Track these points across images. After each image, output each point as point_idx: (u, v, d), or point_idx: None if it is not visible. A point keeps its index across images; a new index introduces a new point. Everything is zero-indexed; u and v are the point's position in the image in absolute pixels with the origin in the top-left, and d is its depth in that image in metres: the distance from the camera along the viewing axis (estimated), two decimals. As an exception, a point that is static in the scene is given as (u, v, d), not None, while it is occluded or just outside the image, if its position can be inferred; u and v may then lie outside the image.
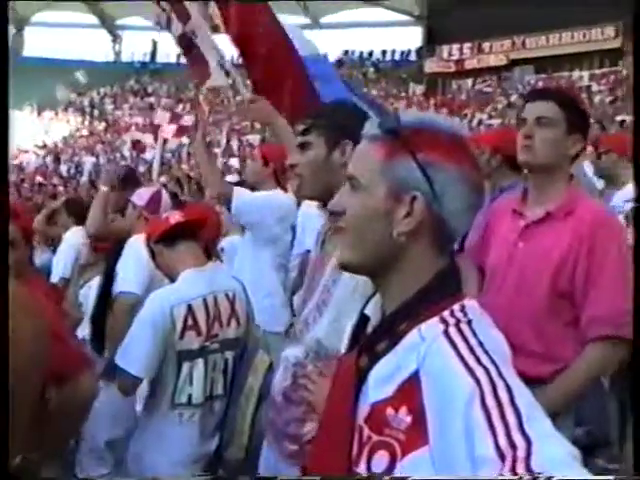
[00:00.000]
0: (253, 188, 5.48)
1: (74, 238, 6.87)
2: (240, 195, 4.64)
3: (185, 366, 3.32)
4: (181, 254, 3.44)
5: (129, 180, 5.59)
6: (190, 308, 3.32)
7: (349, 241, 1.52)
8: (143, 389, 3.46)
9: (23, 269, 3.16)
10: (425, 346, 1.37)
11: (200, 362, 3.35)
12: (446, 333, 1.37)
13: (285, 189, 5.05)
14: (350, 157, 2.56)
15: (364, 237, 1.49)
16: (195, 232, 3.52)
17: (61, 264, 6.53)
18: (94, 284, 5.50)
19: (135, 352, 3.28)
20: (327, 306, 2.55)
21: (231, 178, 8.32)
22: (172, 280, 3.51)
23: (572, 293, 2.92)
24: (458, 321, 1.39)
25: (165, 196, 4.79)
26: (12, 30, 57.69)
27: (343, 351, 2.40)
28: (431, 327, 1.39)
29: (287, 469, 2.60)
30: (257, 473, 2.88)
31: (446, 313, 1.41)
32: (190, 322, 3.32)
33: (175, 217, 3.47)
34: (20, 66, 53.88)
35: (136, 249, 4.37)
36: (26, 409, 2.50)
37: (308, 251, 4.58)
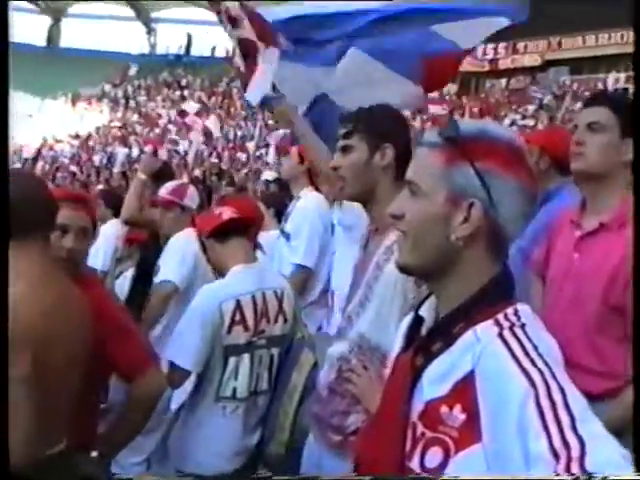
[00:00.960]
0: (286, 184, 5.51)
1: (112, 230, 6.94)
2: None
3: (231, 360, 3.36)
4: (232, 250, 3.48)
5: (164, 173, 5.64)
6: (238, 303, 3.36)
7: (409, 244, 1.58)
8: (186, 383, 3.49)
9: (83, 264, 3.18)
10: (480, 347, 1.42)
11: (246, 357, 3.39)
12: (501, 335, 1.42)
13: (317, 188, 5.07)
14: (390, 160, 2.67)
15: (423, 241, 1.55)
16: (246, 228, 3.56)
17: (100, 256, 6.60)
18: (128, 275, 5.60)
19: (184, 345, 3.32)
20: (369, 302, 2.62)
21: (269, 175, 8.33)
22: (221, 275, 3.56)
23: (624, 308, 2.81)
24: (512, 324, 1.44)
25: (191, 190, 4.84)
26: (49, 21, 58.29)
27: (388, 346, 2.46)
28: (486, 329, 1.44)
29: (331, 460, 2.67)
30: (299, 469, 2.93)
31: (500, 316, 1.46)
32: (238, 317, 3.36)
33: (227, 213, 3.49)
34: (56, 57, 54.53)
35: (181, 243, 4.45)
36: (74, 405, 2.56)
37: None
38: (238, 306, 3.36)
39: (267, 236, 4.62)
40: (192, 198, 4.75)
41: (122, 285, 5.56)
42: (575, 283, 2.99)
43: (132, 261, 6.24)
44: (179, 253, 4.45)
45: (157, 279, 4.42)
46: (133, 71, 51.33)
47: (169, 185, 4.85)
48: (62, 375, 2.42)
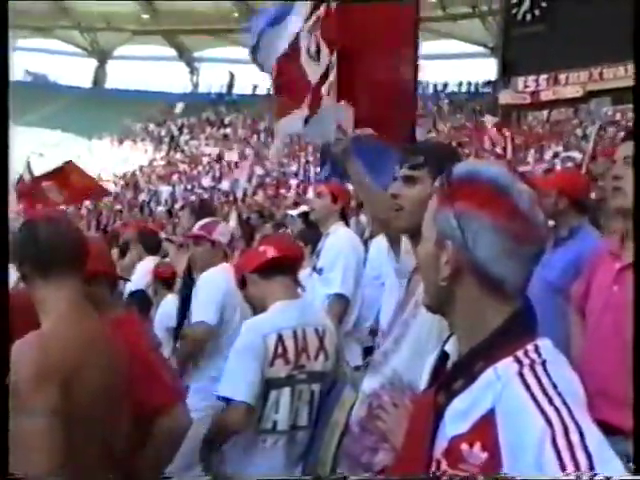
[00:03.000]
0: (315, 223, 5.57)
1: (147, 267, 7.14)
2: None
3: (272, 394, 3.40)
4: (275, 286, 3.55)
5: (205, 211, 5.82)
6: (280, 337, 3.41)
7: (423, 284, 1.68)
8: None
9: (116, 302, 3.28)
10: (501, 385, 1.43)
11: (287, 390, 3.43)
12: (521, 374, 1.43)
13: (347, 224, 5.14)
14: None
15: (427, 281, 1.65)
16: (289, 266, 3.64)
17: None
18: (169, 302, 5.71)
19: (239, 380, 3.35)
20: (405, 339, 2.65)
21: (293, 211, 8.43)
22: (257, 310, 3.62)
23: None
24: (533, 362, 1.45)
25: (221, 226, 5.02)
26: (95, 63, 59.36)
27: (420, 384, 2.50)
28: (506, 367, 1.46)
29: None
30: None
31: (520, 353, 1.47)
32: (280, 350, 3.40)
33: (271, 251, 3.57)
34: (102, 98, 55.46)
35: (211, 281, 4.56)
36: (105, 441, 2.61)
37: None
38: (280, 339, 3.40)
39: (302, 273, 4.68)
40: (222, 233, 4.89)
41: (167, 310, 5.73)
42: (614, 314, 2.98)
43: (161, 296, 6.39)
44: (210, 292, 4.55)
45: (192, 319, 4.52)
46: (179, 109, 52.00)
47: (200, 222, 5.04)
48: (96, 408, 2.47)
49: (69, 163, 12.05)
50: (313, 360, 3.52)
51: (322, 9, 3.91)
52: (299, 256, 3.86)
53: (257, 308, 3.74)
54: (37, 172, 15.94)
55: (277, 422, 3.42)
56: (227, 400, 3.39)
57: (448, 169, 1.61)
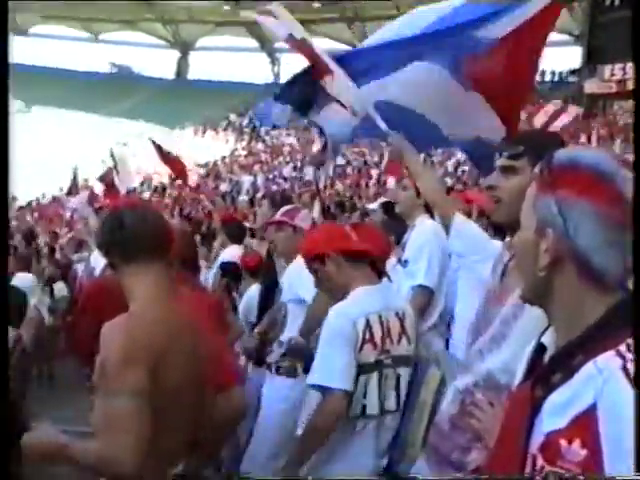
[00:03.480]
0: (398, 216, 5.52)
1: (230, 255, 7.32)
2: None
3: (361, 379, 3.38)
4: (360, 272, 3.53)
5: (284, 200, 5.91)
6: (368, 322, 3.40)
7: (519, 275, 1.63)
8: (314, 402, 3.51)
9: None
10: (602, 380, 1.38)
11: (375, 375, 3.41)
12: (624, 368, 1.37)
13: (432, 216, 5.09)
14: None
15: (523, 270, 1.61)
16: (379, 256, 3.63)
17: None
18: (252, 295, 5.77)
19: (335, 367, 3.33)
20: (505, 340, 2.54)
21: (374, 204, 8.38)
22: (336, 296, 3.58)
23: None
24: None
25: (303, 212, 5.09)
26: (177, 54, 60.20)
27: (516, 383, 2.44)
28: (608, 361, 1.40)
29: None
30: None
31: (623, 347, 1.41)
32: (368, 335, 3.39)
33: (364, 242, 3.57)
34: (184, 88, 56.26)
35: None
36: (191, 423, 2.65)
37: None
38: (368, 324, 3.39)
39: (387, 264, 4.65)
40: (304, 219, 4.94)
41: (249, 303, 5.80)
42: None
43: (247, 282, 6.47)
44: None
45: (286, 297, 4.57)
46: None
47: (283, 209, 5.12)
48: (180, 393, 2.52)
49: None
50: (396, 344, 3.49)
51: None
52: (388, 251, 3.85)
53: (331, 291, 3.66)
54: (121, 162, 16.33)
55: (366, 406, 3.40)
56: (322, 388, 3.36)
57: (549, 155, 1.57)
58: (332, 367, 3.34)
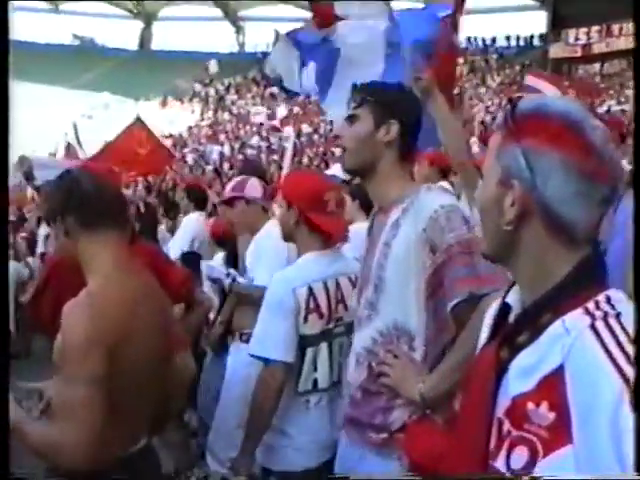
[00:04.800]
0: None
1: (192, 222, 7.31)
2: None
3: (309, 351, 3.26)
4: (311, 238, 3.38)
5: (256, 172, 5.73)
6: (311, 290, 3.26)
7: (482, 231, 1.57)
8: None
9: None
10: (571, 340, 1.33)
11: (324, 346, 3.30)
12: (593, 327, 1.32)
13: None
14: (394, 136, 2.65)
15: (487, 226, 1.53)
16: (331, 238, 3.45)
17: (177, 248, 6.84)
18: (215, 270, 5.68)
19: (273, 337, 3.21)
20: (385, 283, 2.59)
21: (330, 170, 8.34)
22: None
23: None
24: (606, 314, 1.34)
25: (251, 181, 4.82)
26: (141, 25, 59.52)
27: (412, 325, 2.54)
28: (576, 319, 1.35)
29: (375, 460, 2.60)
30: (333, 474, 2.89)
31: (591, 305, 1.36)
32: (312, 305, 3.26)
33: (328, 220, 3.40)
34: (148, 59, 55.67)
35: (269, 243, 4.36)
36: (154, 398, 2.59)
37: None
38: (311, 293, 3.25)
39: (354, 228, 4.55)
40: (253, 188, 4.73)
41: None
42: None
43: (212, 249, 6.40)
44: (273, 256, 4.31)
45: (255, 282, 4.36)
46: (213, 68, 51.98)
47: (230, 183, 5.00)
48: (143, 370, 2.43)
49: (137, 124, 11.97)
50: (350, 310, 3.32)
51: None
52: (345, 239, 3.65)
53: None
54: (85, 133, 16.07)
55: (317, 380, 3.30)
56: (262, 359, 3.25)
57: (512, 103, 1.48)
58: (271, 337, 3.21)
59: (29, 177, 12.33)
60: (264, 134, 33.21)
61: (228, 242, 5.67)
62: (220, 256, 5.60)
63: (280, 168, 15.46)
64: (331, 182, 3.67)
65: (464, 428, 1.56)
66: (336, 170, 5.46)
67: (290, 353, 3.20)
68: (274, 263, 4.15)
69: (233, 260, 5.00)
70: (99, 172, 2.74)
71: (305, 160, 24.86)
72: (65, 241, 2.51)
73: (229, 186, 4.94)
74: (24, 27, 59.73)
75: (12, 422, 2.29)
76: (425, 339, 2.56)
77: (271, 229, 4.36)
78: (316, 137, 30.44)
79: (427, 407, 2.47)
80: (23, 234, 13.47)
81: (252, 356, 3.29)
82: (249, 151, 29.99)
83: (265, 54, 53.41)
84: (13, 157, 32.30)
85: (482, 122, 27.31)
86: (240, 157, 27.58)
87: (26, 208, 16.40)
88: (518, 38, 45.58)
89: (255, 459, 3.24)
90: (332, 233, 3.36)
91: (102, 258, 2.45)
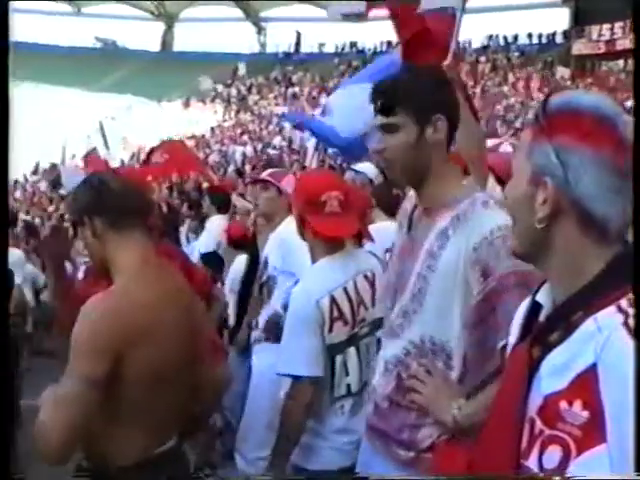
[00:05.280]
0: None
1: (215, 225, 7.33)
2: None
3: (338, 358, 3.23)
4: (313, 243, 3.35)
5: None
6: (333, 299, 3.21)
7: (513, 229, 1.54)
8: None
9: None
10: (603, 338, 1.31)
11: (352, 351, 3.26)
12: (626, 324, 1.30)
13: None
14: (445, 132, 2.42)
15: (517, 225, 1.51)
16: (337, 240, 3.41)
17: (202, 249, 6.87)
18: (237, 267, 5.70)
19: (299, 353, 3.17)
20: (425, 296, 2.39)
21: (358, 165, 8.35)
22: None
23: None
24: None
25: (289, 177, 4.94)
26: (162, 26, 59.78)
27: (451, 344, 2.36)
28: (609, 317, 1.33)
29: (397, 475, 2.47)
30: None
31: (624, 302, 1.34)
32: (336, 314, 3.21)
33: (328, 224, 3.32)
34: (170, 61, 55.92)
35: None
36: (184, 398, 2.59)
37: None
38: (333, 301, 3.21)
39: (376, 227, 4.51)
40: (289, 183, 4.71)
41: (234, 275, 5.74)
42: None
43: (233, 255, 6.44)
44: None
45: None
46: (242, 70, 52.17)
47: (270, 170, 5.16)
48: (168, 371, 2.43)
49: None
50: (371, 308, 3.30)
51: None
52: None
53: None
54: (110, 136, 16.14)
55: (350, 385, 3.26)
56: (291, 376, 3.22)
57: (544, 100, 1.47)
58: (297, 354, 3.18)
59: (55, 185, 12.47)
60: (286, 134, 33.20)
61: (248, 244, 5.70)
62: (243, 258, 5.62)
63: (303, 168, 15.46)
64: (334, 181, 3.52)
65: (496, 428, 1.55)
66: (365, 167, 5.42)
67: (318, 367, 3.17)
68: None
69: (255, 261, 5.01)
70: (124, 174, 2.76)
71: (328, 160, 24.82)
72: (93, 242, 2.53)
73: (268, 171, 5.07)
74: (47, 30, 60.26)
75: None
76: (465, 363, 2.39)
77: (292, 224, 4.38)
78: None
79: (459, 433, 2.32)
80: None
81: (279, 374, 3.27)
82: (271, 152, 29.99)
83: (287, 54, 53.85)
84: (43, 163, 32.70)
85: (504, 120, 27.17)
86: (264, 157, 27.61)
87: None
88: (540, 35, 45.27)
89: (288, 461, 3.21)
90: (329, 235, 3.27)
91: (130, 258, 2.47)
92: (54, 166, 16.17)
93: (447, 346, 2.38)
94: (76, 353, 2.27)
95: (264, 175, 4.98)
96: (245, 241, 6.29)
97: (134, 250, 2.49)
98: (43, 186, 23.23)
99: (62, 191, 11.81)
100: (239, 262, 5.78)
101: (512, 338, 1.63)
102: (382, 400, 2.55)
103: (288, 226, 4.38)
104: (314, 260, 3.38)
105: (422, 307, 2.41)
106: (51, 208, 20.80)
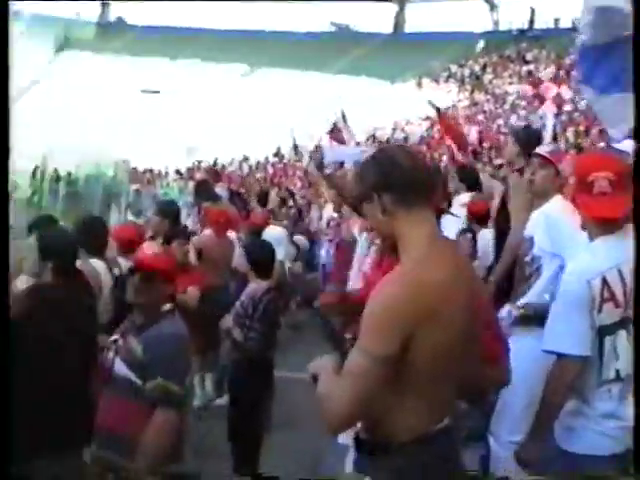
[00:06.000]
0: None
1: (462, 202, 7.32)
2: None
3: (607, 340, 3.21)
4: (587, 222, 3.38)
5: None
6: (605, 280, 3.19)
7: None
8: None
9: None
10: None
11: (623, 334, 3.22)
12: None
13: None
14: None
15: None
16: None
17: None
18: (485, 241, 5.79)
19: (567, 332, 3.20)
20: None
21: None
22: None
23: None
24: None
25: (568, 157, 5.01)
26: (395, 8, 60.07)
27: None
28: None
29: None
30: None
31: None
32: (607, 295, 3.19)
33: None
34: (403, 42, 56.21)
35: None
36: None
37: None
38: (605, 283, 3.18)
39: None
40: (568, 164, 4.61)
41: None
42: None
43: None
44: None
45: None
46: (479, 47, 51.44)
47: (550, 147, 5.27)
48: (452, 351, 2.44)
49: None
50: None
51: None
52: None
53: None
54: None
55: (619, 370, 3.23)
56: (558, 354, 3.24)
57: None
58: (565, 332, 3.20)
59: (320, 166, 12.99)
60: (522, 113, 32.53)
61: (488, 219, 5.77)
62: (487, 232, 5.70)
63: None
64: (605, 161, 3.47)
65: None
66: (626, 146, 5.29)
67: (585, 346, 3.18)
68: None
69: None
70: (415, 153, 2.78)
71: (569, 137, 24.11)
72: (382, 219, 2.53)
73: (550, 148, 5.17)
74: (283, 18, 62.38)
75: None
76: None
77: (559, 204, 4.40)
78: (576, 114, 29.36)
79: None
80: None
81: (545, 351, 3.30)
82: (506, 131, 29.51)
83: (521, 31, 52.38)
84: (283, 147, 34.06)
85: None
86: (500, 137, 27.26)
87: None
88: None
89: (545, 445, 3.27)
90: (596, 216, 3.28)
91: (418, 237, 2.47)
92: (318, 147, 16.75)
93: None
94: (369, 331, 2.35)
95: (546, 151, 4.89)
96: (487, 217, 6.39)
97: (423, 228, 2.49)
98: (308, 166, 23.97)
99: (326, 171, 12.26)
100: (485, 236, 5.87)
101: None
102: None
103: (556, 204, 4.44)
104: (591, 240, 3.38)
105: None
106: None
